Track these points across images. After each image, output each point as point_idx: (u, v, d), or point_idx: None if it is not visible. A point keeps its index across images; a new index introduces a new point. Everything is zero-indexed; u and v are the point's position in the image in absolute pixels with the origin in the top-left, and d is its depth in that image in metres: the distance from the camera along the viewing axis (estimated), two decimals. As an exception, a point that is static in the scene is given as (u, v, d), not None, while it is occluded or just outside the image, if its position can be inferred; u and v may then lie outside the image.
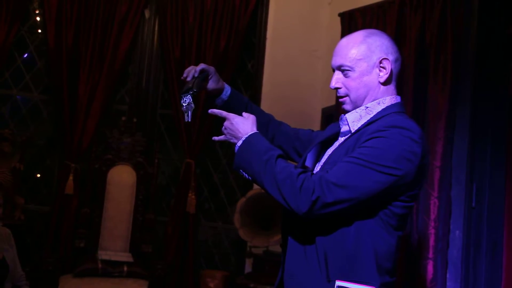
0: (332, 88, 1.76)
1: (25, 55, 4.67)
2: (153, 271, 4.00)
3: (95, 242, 4.12)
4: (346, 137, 1.74)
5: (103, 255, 3.99)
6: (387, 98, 1.73)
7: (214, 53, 4.44)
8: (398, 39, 3.44)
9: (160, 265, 4.06)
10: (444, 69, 3.17)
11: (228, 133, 1.78)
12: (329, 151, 1.78)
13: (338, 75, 1.74)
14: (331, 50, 1.77)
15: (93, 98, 4.43)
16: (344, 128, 1.77)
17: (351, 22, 3.80)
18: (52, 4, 4.36)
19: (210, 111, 1.88)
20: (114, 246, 4.12)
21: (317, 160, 1.83)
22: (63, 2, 4.37)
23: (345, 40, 1.74)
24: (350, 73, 1.70)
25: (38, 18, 4.67)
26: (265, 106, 4.43)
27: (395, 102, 1.75)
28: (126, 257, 4.04)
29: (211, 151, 4.75)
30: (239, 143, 1.70)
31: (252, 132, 1.71)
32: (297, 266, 1.65)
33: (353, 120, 1.73)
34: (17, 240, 3.43)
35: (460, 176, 3.05)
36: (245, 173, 1.69)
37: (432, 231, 3.10)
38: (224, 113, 1.81)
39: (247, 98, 2.18)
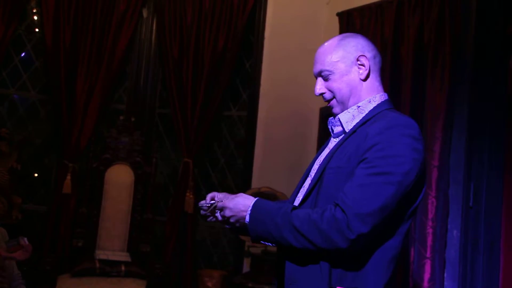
0: (317, 94, 1.80)
1: (23, 54, 4.66)
2: (151, 271, 4.00)
3: (93, 242, 4.11)
4: (341, 137, 1.75)
5: (101, 254, 3.99)
6: (377, 96, 1.77)
7: (212, 52, 4.43)
8: (396, 38, 3.44)
9: (158, 265, 4.07)
10: (442, 69, 3.17)
11: (234, 218, 1.70)
12: (325, 153, 1.78)
13: (320, 81, 1.79)
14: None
15: (91, 97, 4.42)
16: (337, 129, 1.80)
17: (349, 22, 3.81)
18: (49, 3, 4.35)
19: (200, 204, 1.81)
20: (112, 245, 4.12)
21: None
22: (60, 1, 4.36)
23: (322, 47, 1.80)
24: (330, 76, 1.75)
25: (35, 17, 4.66)
26: (263, 105, 4.44)
27: (384, 99, 1.79)
28: (124, 256, 4.04)
29: (209, 150, 4.75)
30: (247, 218, 1.67)
31: (252, 203, 1.68)
32: (298, 272, 1.64)
33: (347, 121, 1.76)
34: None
35: (457, 175, 3.06)
36: (268, 243, 1.66)
37: (430, 230, 3.10)
38: (219, 204, 1.75)
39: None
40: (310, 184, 1.72)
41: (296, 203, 1.76)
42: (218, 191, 1.86)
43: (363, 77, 1.75)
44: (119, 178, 4.26)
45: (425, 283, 3.09)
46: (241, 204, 1.69)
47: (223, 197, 1.81)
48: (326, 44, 1.80)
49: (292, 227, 1.57)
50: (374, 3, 3.63)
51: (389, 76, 3.45)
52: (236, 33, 4.44)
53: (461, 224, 3.02)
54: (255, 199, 1.69)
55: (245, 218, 1.66)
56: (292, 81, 4.42)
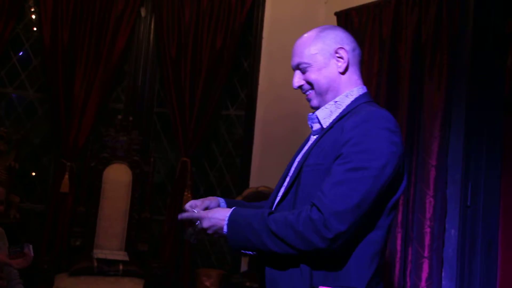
0: (295, 87, 1.79)
1: (21, 53, 4.65)
2: (149, 270, 4.00)
3: (90, 241, 4.11)
4: (319, 135, 1.72)
5: (98, 253, 3.98)
6: (354, 90, 1.74)
7: (210, 52, 4.43)
8: (394, 37, 3.45)
9: (156, 264, 4.06)
10: (440, 68, 3.17)
11: (212, 229, 1.65)
12: (304, 151, 1.76)
13: (298, 74, 1.78)
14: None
15: (89, 96, 4.42)
16: (315, 126, 1.77)
17: (347, 21, 3.81)
18: (47, 2, 4.34)
19: (180, 217, 1.77)
20: (109, 244, 4.11)
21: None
22: (58, 0, 4.36)
23: (300, 39, 1.77)
24: (308, 68, 1.73)
25: (33, 16, 4.65)
26: (261, 104, 4.43)
27: (363, 92, 1.75)
28: (121, 255, 4.04)
29: (207, 149, 4.74)
30: (225, 228, 1.62)
31: (230, 212, 1.64)
32: (278, 272, 1.61)
33: (324, 117, 1.73)
34: (12, 239, 3.42)
35: (455, 175, 3.06)
36: (249, 251, 1.62)
37: (427, 230, 3.11)
38: (195, 214, 1.72)
39: (241, 201, 2.10)
40: (288, 183, 1.70)
41: (276, 201, 1.73)
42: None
43: (341, 70, 1.72)
44: (117, 177, 4.26)
45: (423, 283, 3.09)
46: (219, 213, 1.66)
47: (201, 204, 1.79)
48: (304, 36, 1.77)
49: (269, 232, 1.54)
50: (372, 3, 3.63)
51: (386, 75, 3.45)
52: (234, 32, 4.44)
53: (458, 223, 3.02)
54: (233, 208, 1.66)
55: (223, 228, 1.62)
56: (290, 80, 4.34)
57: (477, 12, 3.06)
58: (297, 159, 1.76)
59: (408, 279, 3.21)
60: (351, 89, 1.73)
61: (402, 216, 3.23)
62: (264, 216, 1.58)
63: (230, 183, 4.68)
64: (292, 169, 1.75)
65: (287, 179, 1.74)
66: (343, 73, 1.72)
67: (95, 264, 3.91)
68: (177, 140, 4.49)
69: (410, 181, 3.26)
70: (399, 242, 3.22)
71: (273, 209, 1.71)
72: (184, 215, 1.76)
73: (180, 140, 4.45)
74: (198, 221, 1.69)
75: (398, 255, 3.22)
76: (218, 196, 1.95)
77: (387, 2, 3.50)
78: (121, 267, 3.94)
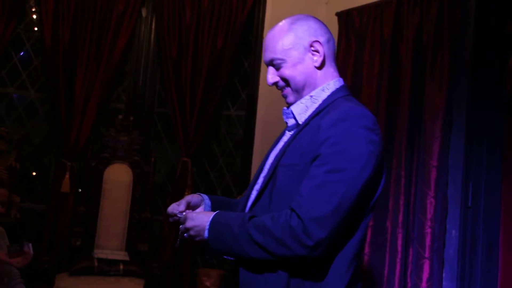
0: (270, 84, 1.69)
1: (22, 53, 4.66)
2: (149, 270, 4.00)
3: (91, 241, 4.11)
4: (294, 131, 1.65)
5: (99, 253, 3.98)
6: (331, 83, 1.66)
7: (211, 52, 4.43)
8: (395, 38, 3.44)
9: (156, 264, 4.06)
10: (441, 69, 3.17)
11: (195, 230, 1.58)
12: (279, 146, 1.69)
13: (271, 70, 1.68)
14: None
15: (89, 96, 4.42)
16: (290, 122, 1.69)
17: (348, 22, 3.81)
18: (48, 2, 4.35)
19: (170, 219, 1.72)
20: (110, 244, 4.11)
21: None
22: (59, 0, 4.36)
23: (271, 32, 1.67)
24: (282, 64, 1.64)
25: (34, 16, 4.66)
26: (262, 105, 4.43)
27: (339, 86, 1.67)
28: (122, 255, 4.04)
29: (207, 149, 4.75)
30: (206, 233, 1.56)
31: (211, 217, 1.57)
32: (253, 276, 1.55)
33: (300, 112, 1.65)
34: (13, 238, 3.42)
35: (456, 175, 3.06)
36: (230, 257, 1.57)
37: (428, 230, 3.10)
38: (183, 214, 1.66)
39: (224, 198, 2.02)
40: (263, 182, 1.63)
41: (250, 200, 1.66)
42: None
43: (317, 64, 1.63)
44: (118, 177, 4.26)
45: (424, 283, 3.09)
46: (204, 214, 1.60)
47: (197, 202, 1.75)
48: (276, 28, 1.67)
49: (249, 238, 1.48)
50: (373, 3, 3.63)
51: (387, 75, 3.45)
52: (235, 32, 4.44)
53: (459, 224, 3.01)
54: (215, 212, 1.59)
55: (204, 232, 1.55)
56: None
57: (479, 12, 3.05)
58: (272, 157, 1.68)
59: (408, 280, 3.20)
60: (327, 82, 1.66)
61: (402, 217, 3.23)
62: (245, 221, 1.50)
63: (231, 183, 4.68)
64: (266, 168, 1.67)
65: (261, 179, 1.67)
66: (319, 67, 1.64)
67: (96, 264, 3.91)
68: (177, 140, 4.49)
69: (411, 181, 3.26)
70: (399, 242, 3.22)
71: (246, 211, 1.65)
72: (171, 218, 1.71)
73: (180, 140, 4.45)
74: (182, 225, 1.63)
75: (399, 255, 3.21)
76: (217, 195, 1.92)
77: (388, 2, 3.50)
78: (121, 267, 3.94)
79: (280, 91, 1.71)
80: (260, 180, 1.67)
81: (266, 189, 1.61)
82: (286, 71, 1.64)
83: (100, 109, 4.49)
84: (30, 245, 3.29)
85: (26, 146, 4.55)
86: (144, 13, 4.68)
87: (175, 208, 1.71)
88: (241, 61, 4.70)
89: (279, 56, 1.63)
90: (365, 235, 1.59)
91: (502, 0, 3.05)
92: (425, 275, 3.09)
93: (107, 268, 3.91)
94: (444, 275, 3.06)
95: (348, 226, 1.51)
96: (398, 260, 3.21)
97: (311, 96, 1.65)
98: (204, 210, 1.79)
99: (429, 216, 3.11)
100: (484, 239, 3.02)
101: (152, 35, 4.69)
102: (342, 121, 1.49)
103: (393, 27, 3.44)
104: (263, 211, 1.57)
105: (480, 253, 3.02)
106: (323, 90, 1.65)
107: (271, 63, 1.67)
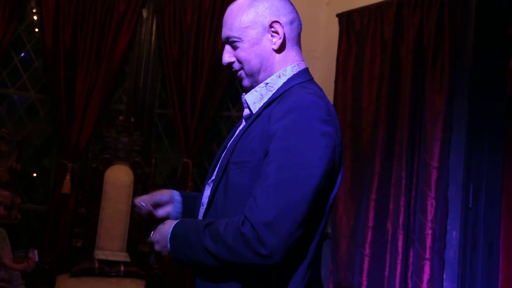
0: (225, 64, 1.54)
1: (22, 54, 4.66)
2: (150, 271, 4.00)
3: (92, 242, 4.11)
4: (246, 123, 1.52)
5: (100, 254, 3.98)
6: (288, 68, 1.51)
7: (212, 53, 4.44)
8: (396, 39, 3.45)
9: (157, 265, 4.06)
10: (441, 70, 3.17)
11: (160, 244, 1.50)
12: (230, 141, 1.56)
13: (228, 49, 1.53)
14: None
15: (90, 97, 4.42)
16: (246, 112, 1.57)
17: (349, 23, 3.81)
18: (49, 3, 4.35)
19: (135, 209, 1.66)
20: (111, 245, 4.11)
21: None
22: (60, 1, 4.36)
23: (231, 7, 1.53)
24: (239, 44, 1.49)
25: (35, 17, 4.66)
26: (262, 106, 4.43)
27: (298, 71, 1.52)
28: (123, 256, 4.04)
29: (208, 151, 4.75)
30: (169, 246, 1.46)
31: (172, 227, 1.47)
32: (206, 284, 1.48)
33: (254, 101, 1.53)
34: (14, 240, 3.42)
35: (457, 176, 3.06)
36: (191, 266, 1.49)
37: (429, 231, 3.11)
38: (143, 205, 1.62)
39: (195, 193, 1.84)
40: (215, 181, 1.50)
41: (205, 197, 1.55)
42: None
43: (276, 47, 1.49)
44: (119, 178, 4.26)
45: (424, 284, 3.09)
46: (167, 225, 1.48)
47: (167, 199, 1.68)
48: (236, 3, 1.52)
49: (203, 248, 1.36)
50: (374, 4, 3.64)
51: (388, 77, 3.45)
52: (236, 33, 4.44)
53: (460, 225, 3.02)
54: (176, 221, 1.47)
55: (167, 245, 1.46)
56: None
57: (479, 13, 3.06)
58: (224, 152, 1.54)
59: (409, 281, 3.20)
60: (284, 68, 1.51)
61: (403, 218, 3.23)
62: (200, 229, 1.38)
63: (232, 184, 4.67)
64: (217, 166, 1.54)
65: (212, 181, 1.53)
66: (278, 50, 1.50)
67: (97, 265, 3.91)
68: (178, 141, 4.49)
69: (412, 182, 3.26)
70: (400, 244, 3.22)
71: (199, 218, 1.54)
72: (136, 208, 1.66)
73: (181, 141, 4.45)
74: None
75: (400, 256, 3.22)
76: (192, 192, 1.85)
77: (389, 4, 3.50)
78: (122, 268, 3.94)
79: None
80: (211, 184, 1.53)
81: (218, 187, 1.48)
82: (242, 53, 1.49)
83: (101, 110, 4.48)
84: (36, 252, 3.29)
85: (27, 147, 4.55)
86: (145, 14, 4.68)
87: (144, 200, 1.66)
88: (241, 62, 4.70)
89: (235, 34, 1.49)
90: (321, 240, 1.45)
91: (502, 2, 3.06)
92: (426, 276, 3.09)
93: (108, 269, 3.91)
94: (444, 276, 3.06)
95: (306, 229, 1.34)
96: (398, 261, 3.22)
97: (267, 84, 1.51)
98: (174, 207, 1.70)
99: (429, 217, 3.11)
100: (485, 240, 3.03)
101: (153, 36, 4.69)
102: (291, 113, 1.35)
103: (393, 28, 3.45)
104: (216, 214, 1.48)
105: (480, 254, 3.02)
106: (279, 76, 1.51)
107: (227, 41, 1.52)
